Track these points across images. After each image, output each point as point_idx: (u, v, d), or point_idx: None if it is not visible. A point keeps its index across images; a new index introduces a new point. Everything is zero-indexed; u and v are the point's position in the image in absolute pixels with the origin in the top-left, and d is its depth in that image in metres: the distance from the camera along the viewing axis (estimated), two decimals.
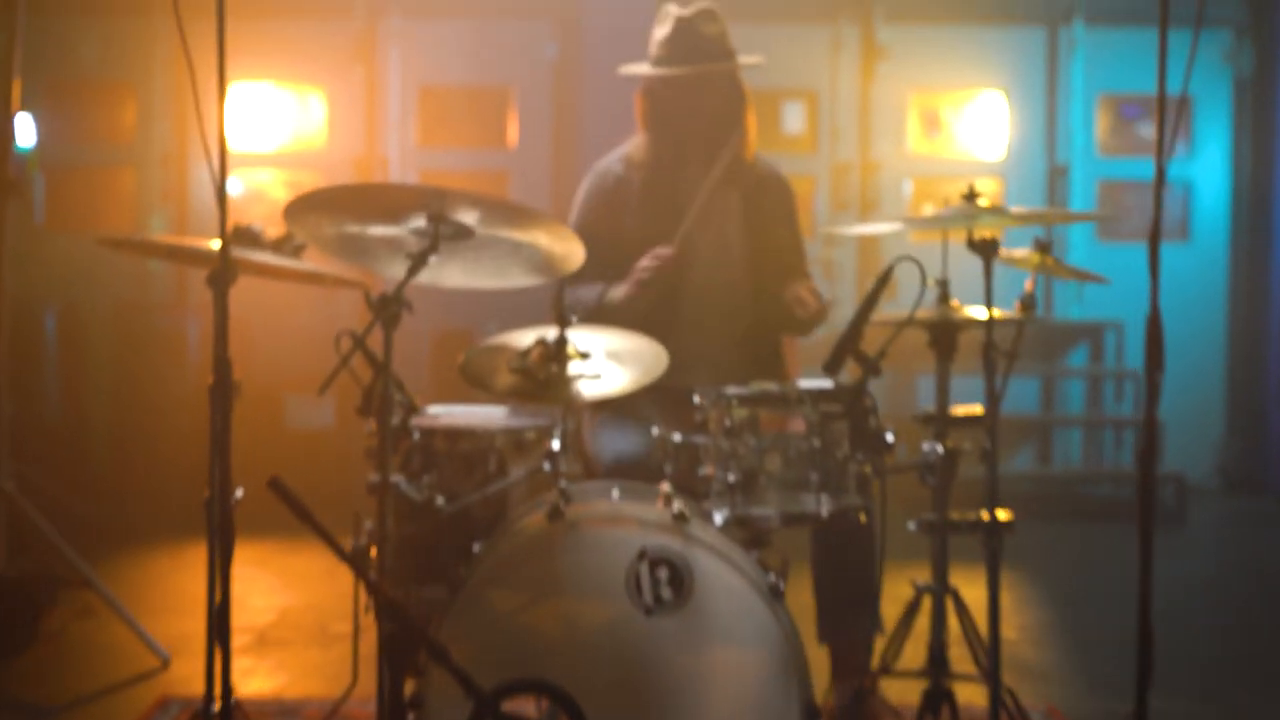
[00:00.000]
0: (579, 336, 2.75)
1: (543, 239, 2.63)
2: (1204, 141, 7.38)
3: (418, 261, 2.53)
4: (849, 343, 2.56)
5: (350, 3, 7.07)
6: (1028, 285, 2.94)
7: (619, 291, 3.31)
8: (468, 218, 2.54)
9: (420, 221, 2.54)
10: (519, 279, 2.77)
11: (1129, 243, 7.25)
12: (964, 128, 7.39)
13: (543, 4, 7.06)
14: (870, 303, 2.57)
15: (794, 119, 7.28)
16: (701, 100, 3.39)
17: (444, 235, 2.54)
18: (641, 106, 3.45)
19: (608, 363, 2.72)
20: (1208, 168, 7.40)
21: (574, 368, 2.67)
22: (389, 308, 2.53)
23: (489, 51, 7.14)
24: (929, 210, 7.45)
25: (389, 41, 7.13)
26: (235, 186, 7.20)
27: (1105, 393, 7.46)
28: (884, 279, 2.63)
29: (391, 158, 7.15)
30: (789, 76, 7.20)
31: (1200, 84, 7.27)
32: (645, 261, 3.27)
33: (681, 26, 3.33)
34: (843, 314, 3.46)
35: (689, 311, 3.38)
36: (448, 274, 2.72)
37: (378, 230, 2.60)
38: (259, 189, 7.26)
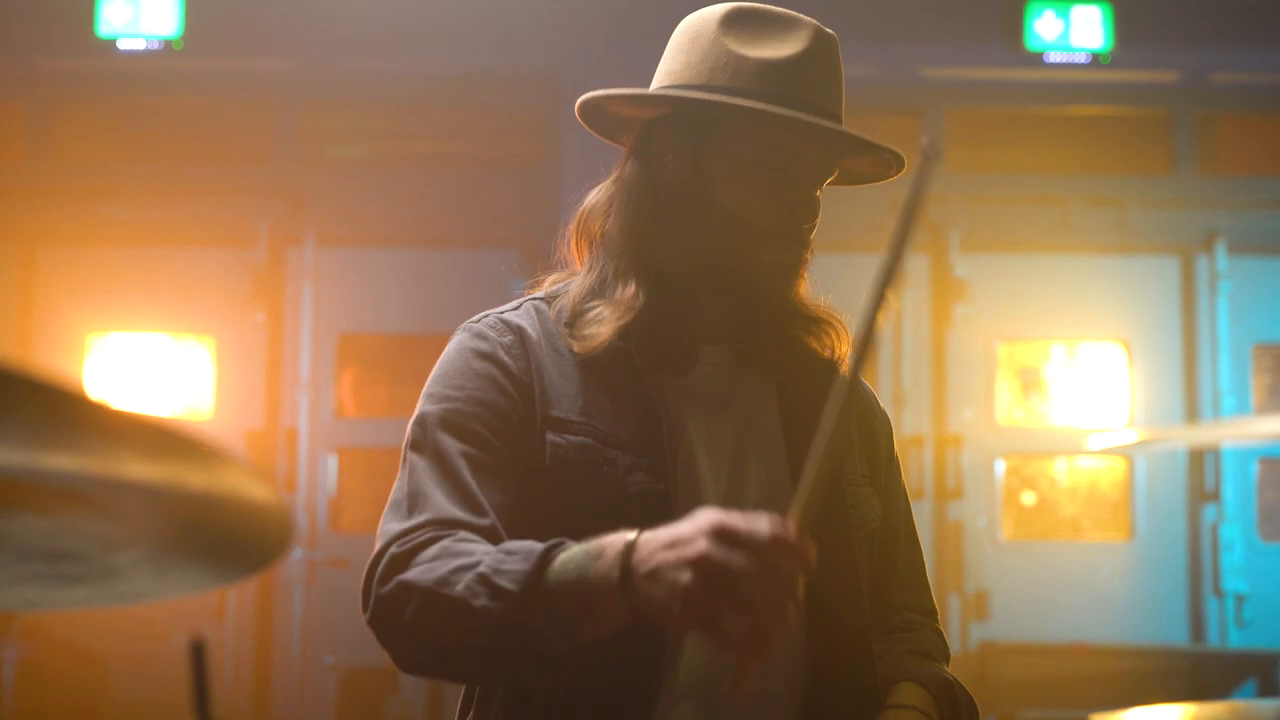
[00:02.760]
0: None
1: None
2: None
3: None
4: None
5: (251, 228, 5.71)
6: None
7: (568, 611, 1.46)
8: None
9: None
10: (140, 585, 1.07)
11: None
12: (1072, 389, 5.98)
13: (505, 227, 5.71)
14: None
15: None
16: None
17: None
18: (624, 194, 1.79)
19: None
20: None
21: None
22: None
23: (434, 289, 5.73)
24: (1027, 499, 6.04)
25: (299, 276, 5.72)
26: None
27: None
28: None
29: (300, 430, 5.67)
30: None
31: None
32: (702, 547, 1.36)
33: (818, 47, 1.74)
34: None
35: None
36: None
37: None
38: None
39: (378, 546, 1.58)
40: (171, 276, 5.74)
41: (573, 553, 1.46)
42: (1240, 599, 5.78)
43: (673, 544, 1.37)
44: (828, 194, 1.88)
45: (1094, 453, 5.95)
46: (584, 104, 1.80)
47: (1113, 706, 1.96)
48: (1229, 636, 5.86)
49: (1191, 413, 5.89)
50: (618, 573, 1.41)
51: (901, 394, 5.85)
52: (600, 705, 1.62)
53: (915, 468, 5.80)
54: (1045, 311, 5.96)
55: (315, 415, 5.71)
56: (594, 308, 1.73)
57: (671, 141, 1.76)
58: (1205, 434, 2.14)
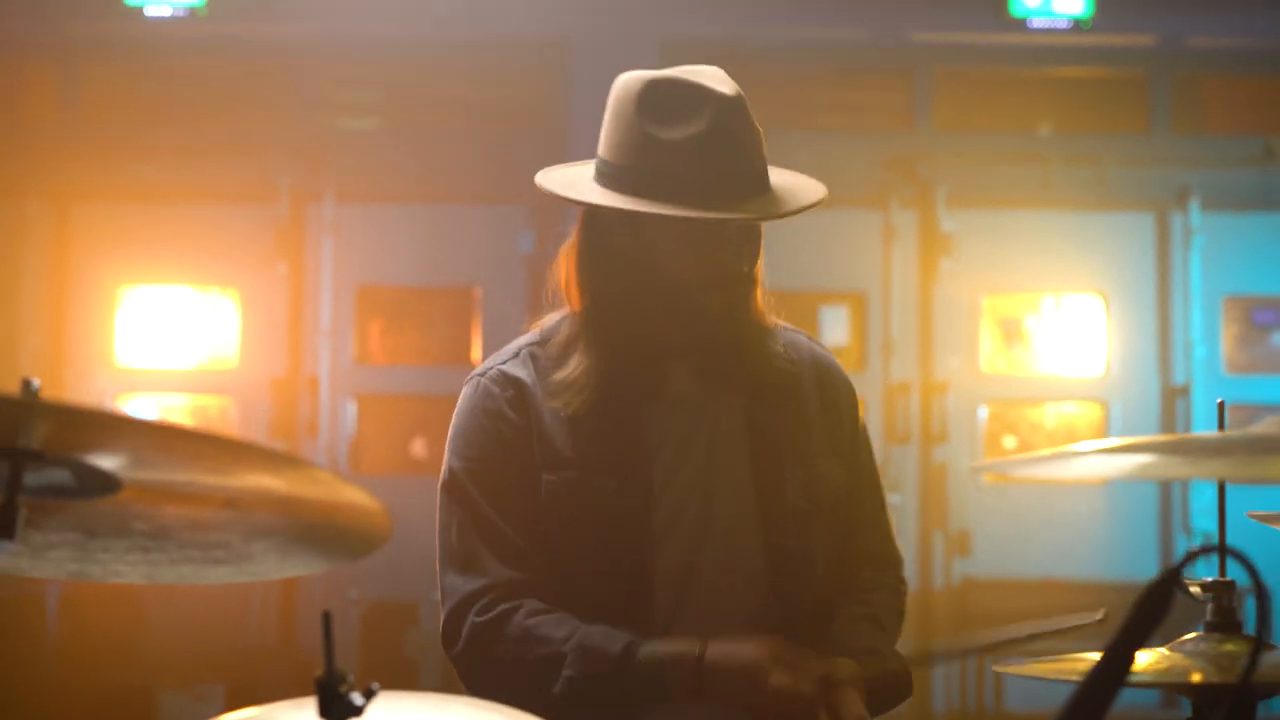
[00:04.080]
0: None
1: (294, 490, 1.39)
2: None
3: None
4: None
5: (273, 184, 6.07)
6: None
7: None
8: (106, 462, 1.31)
9: None
10: (268, 566, 1.50)
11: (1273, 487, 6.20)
12: (1052, 339, 6.32)
13: (514, 184, 6.01)
14: (1134, 636, 1.18)
15: (835, 328, 6.20)
16: (710, 264, 1.97)
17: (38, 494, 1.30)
18: (581, 259, 2.04)
19: None
20: None
21: None
22: None
23: (447, 243, 6.10)
24: (1009, 442, 6.45)
25: (319, 231, 6.07)
26: (137, 413, 6.18)
27: None
28: (1168, 585, 1.19)
29: (321, 377, 6.05)
30: (828, 275, 6.08)
31: None
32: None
33: (720, 124, 1.91)
34: None
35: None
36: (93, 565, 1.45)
37: None
38: (161, 418, 6.28)
39: (452, 603, 1.99)
40: (198, 231, 6.07)
41: (646, 658, 1.89)
42: (1208, 537, 6.08)
43: (743, 671, 1.86)
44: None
45: (1069, 395, 6.31)
46: (543, 190, 2.02)
47: (1086, 639, 2.12)
48: (1197, 573, 6.19)
49: (1165, 361, 6.22)
50: (693, 682, 1.87)
51: (890, 343, 6.22)
52: (598, 590, 1.98)
53: (902, 413, 6.17)
54: (1027, 265, 6.27)
55: (336, 363, 6.08)
56: (571, 357, 2.02)
57: (614, 221, 1.99)
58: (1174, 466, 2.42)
